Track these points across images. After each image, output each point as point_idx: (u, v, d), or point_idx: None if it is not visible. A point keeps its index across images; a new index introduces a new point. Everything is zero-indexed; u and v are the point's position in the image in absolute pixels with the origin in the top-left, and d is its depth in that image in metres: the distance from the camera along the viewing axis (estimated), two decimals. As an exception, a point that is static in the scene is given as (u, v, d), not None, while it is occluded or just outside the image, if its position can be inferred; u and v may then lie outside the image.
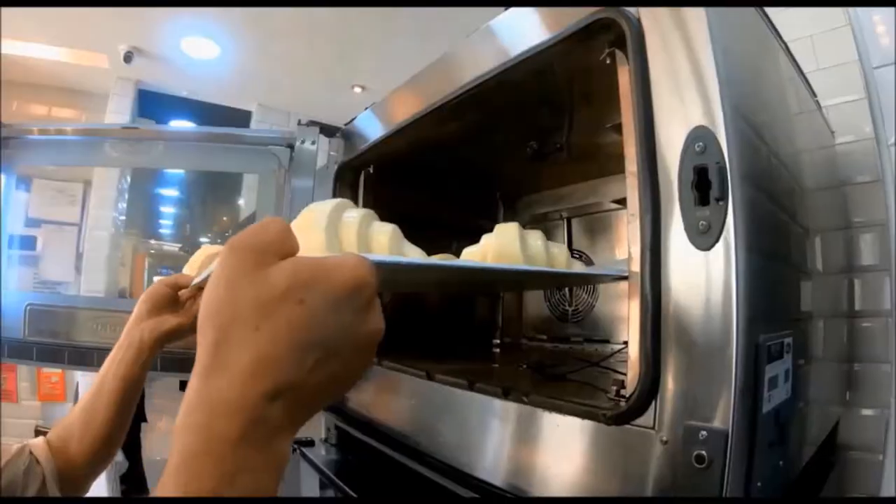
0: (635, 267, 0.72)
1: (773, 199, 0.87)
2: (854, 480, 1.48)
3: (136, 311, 1.09)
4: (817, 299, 1.24)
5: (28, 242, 3.27)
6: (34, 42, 3.48)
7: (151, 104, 4.20)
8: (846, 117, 1.56)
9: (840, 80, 1.57)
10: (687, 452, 0.64)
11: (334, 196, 1.62)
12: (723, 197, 0.64)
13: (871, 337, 1.49)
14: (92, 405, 1.00)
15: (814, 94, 1.45)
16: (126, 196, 3.87)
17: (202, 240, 3.78)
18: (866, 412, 1.48)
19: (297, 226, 0.60)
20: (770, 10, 1.11)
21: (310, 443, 1.63)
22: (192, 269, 1.28)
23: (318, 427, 1.71)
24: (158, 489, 0.39)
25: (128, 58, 3.55)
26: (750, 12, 0.96)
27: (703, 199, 0.66)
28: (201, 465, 0.39)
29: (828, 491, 1.29)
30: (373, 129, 1.50)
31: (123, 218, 3.75)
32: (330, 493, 1.45)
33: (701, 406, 0.65)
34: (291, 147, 1.86)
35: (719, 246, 0.65)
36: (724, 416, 0.62)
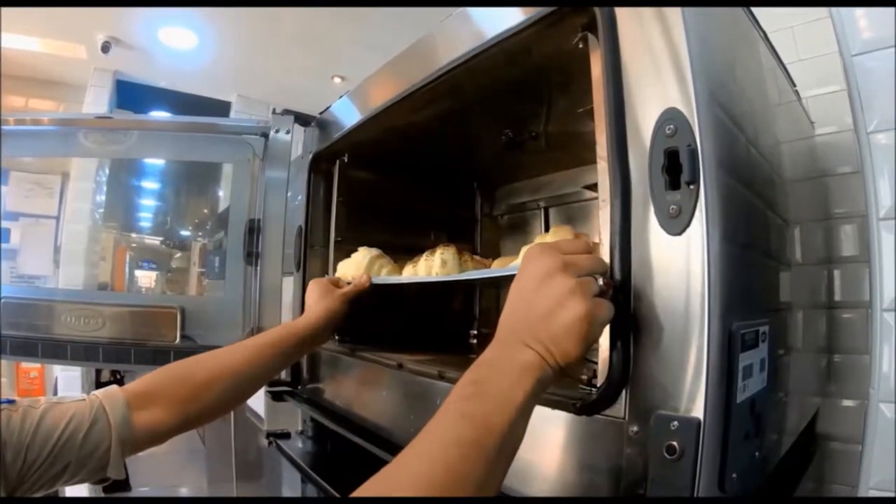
0: (605, 253, 0.71)
1: (750, 188, 0.86)
2: (834, 471, 1.48)
3: (314, 294, 1.31)
4: (796, 290, 1.23)
5: (4, 236, 3.22)
6: (10, 32, 3.43)
7: (130, 95, 4.15)
8: (827, 108, 1.55)
9: (821, 71, 1.56)
10: (658, 443, 0.62)
11: (308, 185, 1.61)
12: (694, 180, 0.63)
13: (852, 328, 1.49)
14: (268, 345, 1.14)
15: (793, 85, 1.45)
16: (104, 188, 3.81)
17: (183, 233, 3.73)
18: (846, 403, 1.48)
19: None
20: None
21: (286, 435, 1.61)
22: (358, 268, 1.42)
23: (294, 419, 1.70)
24: (463, 399, 0.63)
25: (105, 48, 3.50)
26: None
27: (674, 183, 0.65)
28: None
29: (807, 482, 1.29)
30: (348, 116, 1.47)
31: (102, 211, 3.70)
32: (309, 484, 1.43)
33: (672, 395, 0.63)
34: (266, 136, 1.84)
35: (690, 230, 0.63)
36: (695, 405, 0.61)
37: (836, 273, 1.57)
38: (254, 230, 1.84)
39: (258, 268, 1.81)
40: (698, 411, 0.61)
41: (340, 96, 1.53)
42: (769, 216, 1.03)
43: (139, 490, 4.45)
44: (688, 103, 0.65)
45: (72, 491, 3.49)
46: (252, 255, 1.83)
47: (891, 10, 1.04)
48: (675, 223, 0.64)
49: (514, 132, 1.43)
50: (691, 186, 0.63)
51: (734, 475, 0.66)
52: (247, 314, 1.81)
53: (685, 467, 0.60)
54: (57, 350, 1.83)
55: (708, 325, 0.61)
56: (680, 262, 0.64)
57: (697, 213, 0.63)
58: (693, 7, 0.70)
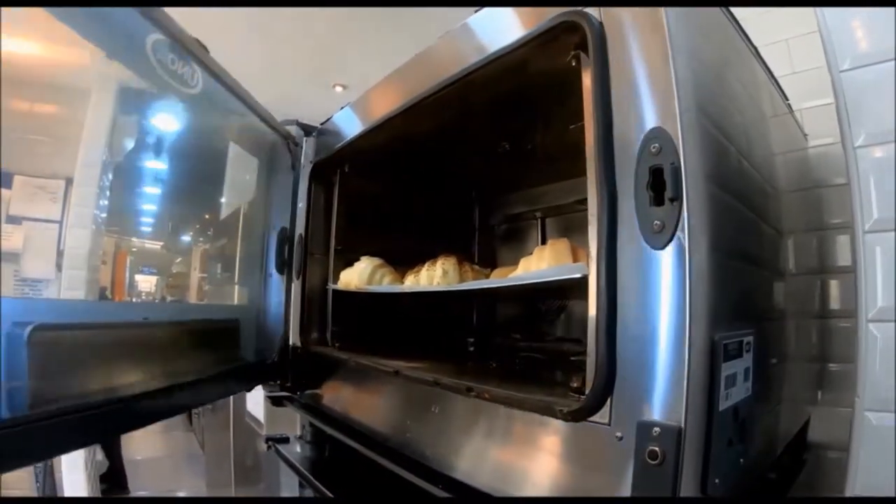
0: (593, 266, 0.73)
1: (741, 199, 0.88)
2: (827, 479, 1.50)
3: None
4: (790, 299, 1.25)
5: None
6: (13, 37, 3.44)
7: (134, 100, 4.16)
8: (822, 120, 1.58)
9: (815, 83, 1.59)
10: (641, 448, 0.65)
11: (308, 193, 1.64)
12: (677, 197, 0.65)
13: (848, 337, 1.51)
14: None
15: (785, 98, 1.47)
16: (108, 193, 3.82)
17: (184, 238, 3.73)
18: (841, 411, 1.49)
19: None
20: (746, 15, 1.12)
21: (285, 440, 1.63)
22: (360, 277, 1.45)
23: (293, 424, 1.71)
24: None
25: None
26: (717, 18, 0.97)
27: (658, 199, 0.67)
28: None
29: (800, 489, 1.31)
30: (349, 127, 1.49)
31: (105, 216, 3.68)
32: (307, 490, 1.45)
33: (654, 403, 0.65)
34: (293, 142, 1.76)
35: (673, 245, 0.65)
36: (676, 413, 0.63)
37: (833, 283, 1.59)
38: (288, 239, 1.68)
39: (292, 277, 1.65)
40: (679, 419, 0.63)
41: (342, 107, 1.55)
42: (762, 227, 1.05)
43: (137, 494, 4.46)
44: (673, 122, 0.67)
45: (71, 491, 3.50)
46: (285, 266, 1.69)
47: (880, 25, 1.05)
48: (659, 238, 0.66)
49: (511, 144, 1.45)
50: (674, 203, 0.66)
51: (717, 480, 0.68)
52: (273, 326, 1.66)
53: (666, 472, 0.63)
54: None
55: (689, 336, 0.63)
56: (663, 276, 0.66)
57: (680, 228, 0.65)
58: (677, 7, 0.72)
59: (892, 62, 1.00)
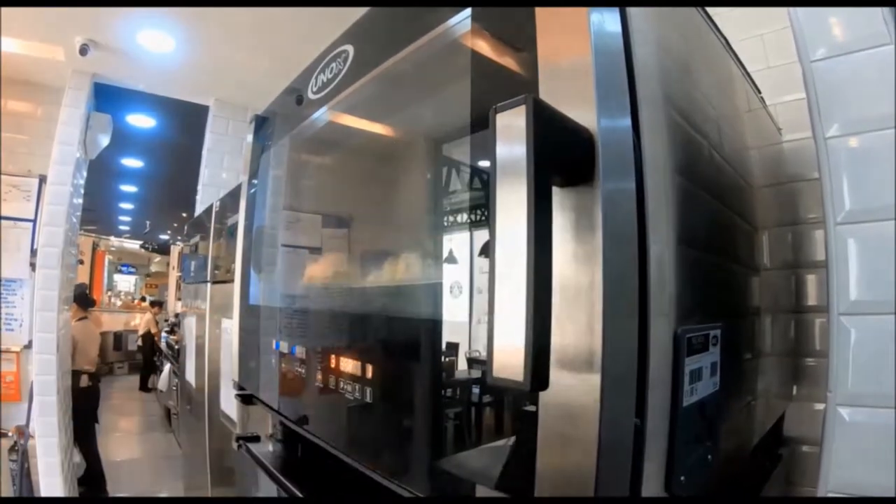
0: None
1: (712, 192, 0.87)
2: (804, 474, 1.50)
3: None
4: (765, 294, 1.24)
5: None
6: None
7: (108, 98, 4.09)
8: (799, 114, 1.57)
9: (791, 78, 1.58)
10: (599, 446, 0.62)
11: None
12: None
13: (823, 332, 1.50)
14: None
15: (758, 92, 1.46)
16: (82, 191, 3.78)
17: (162, 237, 3.70)
18: (818, 406, 1.49)
19: None
20: (719, 9, 1.11)
21: (255, 439, 1.60)
22: None
23: (266, 423, 1.69)
24: None
25: (83, 51, 3.46)
26: (688, 13, 0.96)
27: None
28: None
29: (776, 484, 1.30)
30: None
31: (80, 214, 3.65)
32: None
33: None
34: None
35: (630, 235, 0.63)
36: (635, 408, 0.61)
37: (809, 278, 1.59)
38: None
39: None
40: (638, 415, 0.61)
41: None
42: (735, 221, 1.04)
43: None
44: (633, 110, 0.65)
45: (47, 494, 3.46)
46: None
47: (852, 15, 1.05)
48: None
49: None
50: (629, 192, 0.63)
51: (682, 478, 0.66)
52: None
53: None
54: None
55: (648, 330, 0.61)
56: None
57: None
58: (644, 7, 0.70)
59: (864, 52, 0.99)
